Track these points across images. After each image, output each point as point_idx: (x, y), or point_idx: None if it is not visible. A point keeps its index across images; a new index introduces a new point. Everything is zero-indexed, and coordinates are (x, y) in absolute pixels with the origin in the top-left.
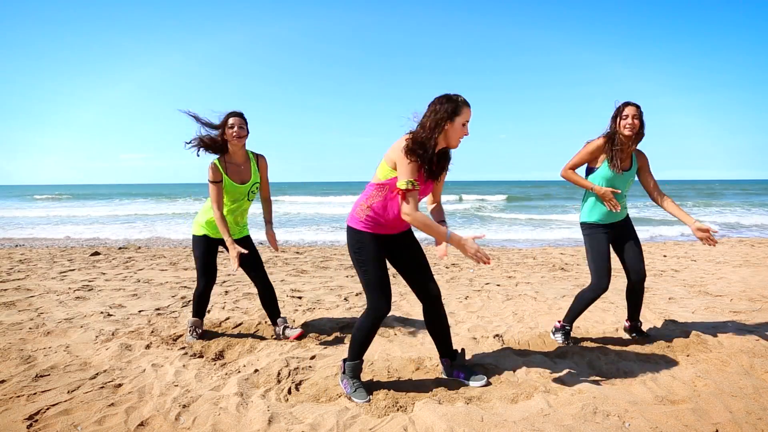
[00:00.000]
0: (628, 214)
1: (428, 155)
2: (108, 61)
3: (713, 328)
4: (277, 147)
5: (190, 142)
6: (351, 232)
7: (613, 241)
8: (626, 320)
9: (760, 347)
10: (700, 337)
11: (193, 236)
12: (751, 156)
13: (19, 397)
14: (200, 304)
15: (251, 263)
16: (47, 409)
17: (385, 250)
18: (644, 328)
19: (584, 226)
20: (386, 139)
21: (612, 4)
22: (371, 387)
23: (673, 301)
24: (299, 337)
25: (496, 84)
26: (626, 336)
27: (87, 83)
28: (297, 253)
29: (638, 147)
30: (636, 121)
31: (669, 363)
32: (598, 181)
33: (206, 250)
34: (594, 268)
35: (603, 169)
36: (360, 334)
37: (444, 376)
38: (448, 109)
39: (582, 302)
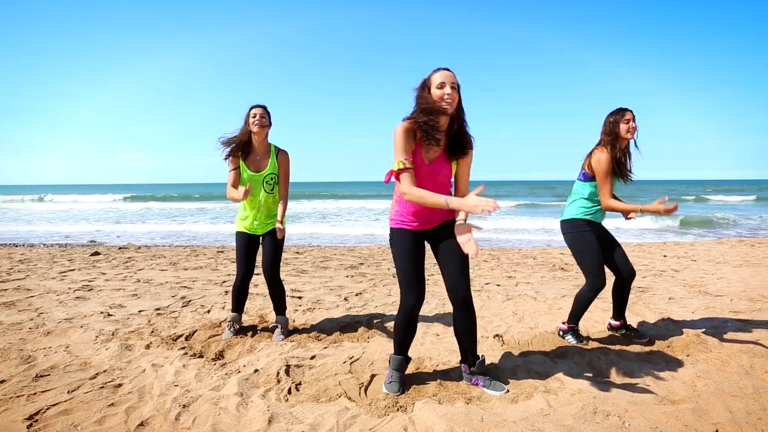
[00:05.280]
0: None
1: (426, 126)
2: (108, 61)
3: (713, 328)
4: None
5: (222, 150)
6: (390, 230)
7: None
8: (613, 319)
9: (760, 347)
10: (700, 337)
11: (235, 233)
12: (751, 156)
13: (19, 397)
14: (238, 298)
15: (264, 256)
16: (47, 409)
17: (421, 246)
18: (643, 327)
19: (572, 224)
20: (386, 139)
21: (612, 4)
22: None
23: (673, 301)
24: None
25: (497, 84)
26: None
27: (87, 83)
28: (297, 253)
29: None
30: (635, 125)
31: (669, 363)
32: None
33: (243, 244)
34: (590, 266)
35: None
36: (397, 331)
37: (443, 374)
38: (422, 81)
39: (583, 303)
